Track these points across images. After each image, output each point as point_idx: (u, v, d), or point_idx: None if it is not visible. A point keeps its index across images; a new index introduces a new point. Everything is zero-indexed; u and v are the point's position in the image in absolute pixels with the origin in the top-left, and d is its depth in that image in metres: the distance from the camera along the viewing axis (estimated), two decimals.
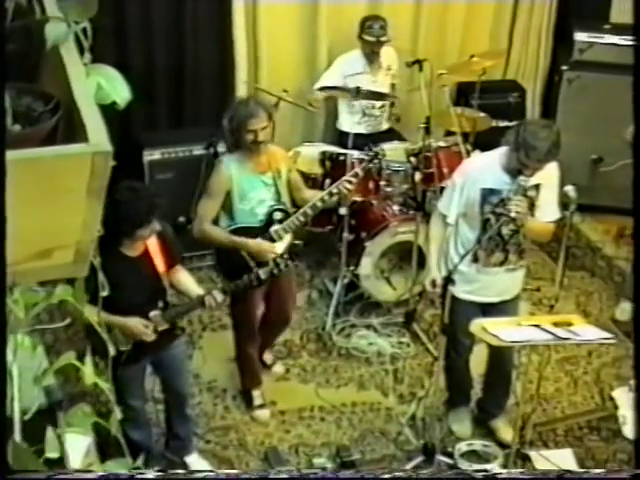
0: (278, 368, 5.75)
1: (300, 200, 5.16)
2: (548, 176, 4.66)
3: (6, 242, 1.82)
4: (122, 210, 4.07)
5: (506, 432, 5.19)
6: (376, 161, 5.50)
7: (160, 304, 4.45)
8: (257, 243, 4.92)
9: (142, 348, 4.44)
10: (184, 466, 4.99)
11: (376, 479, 2.22)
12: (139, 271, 4.36)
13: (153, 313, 4.42)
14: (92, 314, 2.41)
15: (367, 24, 6.45)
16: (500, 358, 5.09)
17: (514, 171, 4.52)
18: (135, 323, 4.35)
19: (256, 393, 5.44)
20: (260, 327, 5.33)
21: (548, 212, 4.74)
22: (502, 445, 5.14)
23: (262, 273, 4.68)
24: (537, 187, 4.65)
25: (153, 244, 4.40)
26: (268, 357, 5.74)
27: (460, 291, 4.76)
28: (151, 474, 2.26)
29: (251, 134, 4.81)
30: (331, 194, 5.10)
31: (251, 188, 4.94)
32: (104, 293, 3.34)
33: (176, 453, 5.03)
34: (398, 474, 2.19)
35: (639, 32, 2.99)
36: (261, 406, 5.44)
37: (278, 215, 5.01)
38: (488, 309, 4.82)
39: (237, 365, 5.49)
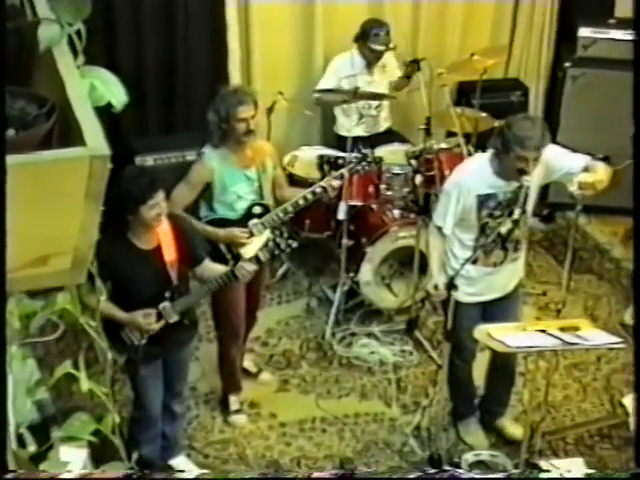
0: (265, 376, 5.67)
1: (281, 198, 5.15)
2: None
3: (6, 249, 1.83)
4: (125, 184, 4.17)
5: (514, 428, 5.18)
6: (364, 163, 5.41)
7: (168, 295, 4.42)
8: (228, 231, 4.91)
9: (157, 343, 4.45)
10: (169, 469, 4.89)
11: None
12: (151, 264, 4.36)
13: (162, 305, 4.41)
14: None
15: (373, 32, 6.23)
16: (504, 356, 5.00)
17: (514, 173, 4.48)
18: (135, 316, 4.35)
19: (233, 398, 5.40)
20: None
21: (575, 162, 4.58)
22: (511, 449, 5.07)
23: (262, 254, 4.57)
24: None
25: (167, 237, 4.38)
26: (249, 364, 5.65)
27: (463, 294, 4.70)
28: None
29: (243, 123, 4.77)
30: (314, 193, 5.09)
31: (233, 182, 4.92)
32: (102, 298, 3.37)
33: (161, 455, 4.92)
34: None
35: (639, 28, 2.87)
36: (237, 411, 5.39)
37: (258, 210, 5.01)
38: (492, 304, 4.84)
39: (219, 369, 5.41)
